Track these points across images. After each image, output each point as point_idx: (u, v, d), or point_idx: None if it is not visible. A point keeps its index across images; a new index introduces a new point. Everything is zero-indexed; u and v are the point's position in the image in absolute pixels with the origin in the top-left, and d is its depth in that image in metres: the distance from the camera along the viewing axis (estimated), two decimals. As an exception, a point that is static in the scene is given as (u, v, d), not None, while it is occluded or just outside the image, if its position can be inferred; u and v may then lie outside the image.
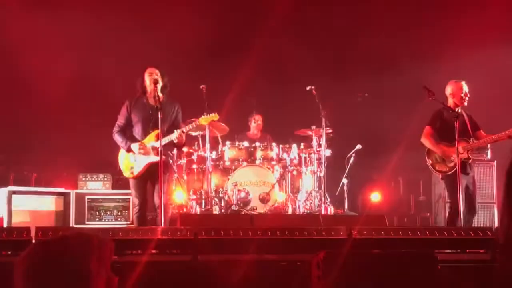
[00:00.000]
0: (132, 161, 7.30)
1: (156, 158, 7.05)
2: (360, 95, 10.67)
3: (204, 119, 7.80)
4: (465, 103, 8.00)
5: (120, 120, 7.48)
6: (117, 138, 7.41)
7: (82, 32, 10.81)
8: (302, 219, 8.82)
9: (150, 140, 7.25)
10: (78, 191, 9.09)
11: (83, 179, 9.33)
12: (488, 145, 8.87)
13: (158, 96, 7.22)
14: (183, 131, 7.31)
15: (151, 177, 7.30)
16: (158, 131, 6.96)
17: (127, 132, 7.47)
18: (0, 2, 10.40)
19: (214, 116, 7.85)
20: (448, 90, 8.05)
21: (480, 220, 9.14)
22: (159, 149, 6.87)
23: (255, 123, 10.58)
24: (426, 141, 8.02)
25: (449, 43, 11.36)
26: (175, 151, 9.00)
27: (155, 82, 7.27)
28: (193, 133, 9.45)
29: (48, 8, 10.61)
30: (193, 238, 5.31)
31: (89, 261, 2.20)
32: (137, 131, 7.39)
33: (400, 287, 4.77)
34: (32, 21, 10.47)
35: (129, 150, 7.30)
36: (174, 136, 7.20)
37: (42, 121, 10.66)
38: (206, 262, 5.23)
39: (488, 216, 9.78)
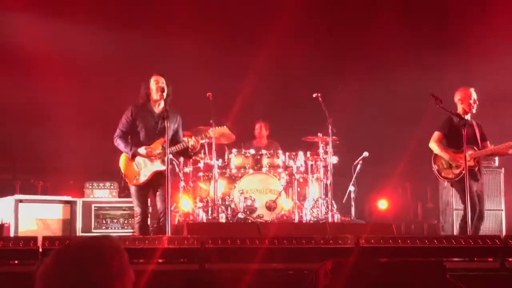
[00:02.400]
0: (137, 169, 7.25)
1: (162, 167, 7.03)
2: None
3: (214, 132, 7.79)
4: (474, 110, 7.97)
5: (123, 126, 7.38)
6: (120, 143, 7.32)
7: (88, 42, 10.85)
8: (309, 227, 8.80)
9: (156, 149, 7.21)
10: (84, 199, 9.08)
11: (90, 187, 9.31)
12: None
13: (164, 104, 7.20)
14: (198, 139, 7.31)
15: (153, 185, 7.26)
16: (163, 139, 6.94)
17: (128, 138, 7.42)
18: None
19: (224, 129, 7.84)
20: (457, 96, 8.05)
21: (487, 227, 9.10)
22: (166, 158, 6.82)
23: (261, 130, 10.58)
24: (434, 146, 8.00)
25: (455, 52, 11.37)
26: (181, 159, 9.01)
27: (162, 90, 7.22)
28: (200, 141, 9.44)
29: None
30: (200, 247, 5.30)
31: (109, 269, 2.18)
32: (141, 138, 7.32)
33: (409, 297, 4.74)
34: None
35: (134, 156, 7.25)
36: (190, 143, 7.20)
37: (48, 129, 10.67)
38: (213, 271, 5.23)
39: (495, 224, 9.73)
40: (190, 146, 7.25)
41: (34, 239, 5.20)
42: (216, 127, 7.91)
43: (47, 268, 2.15)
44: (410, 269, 4.91)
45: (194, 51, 10.94)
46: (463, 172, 7.63)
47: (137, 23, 11.18)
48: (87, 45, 10.83)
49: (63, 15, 10.80)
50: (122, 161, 7.37)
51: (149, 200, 7.57)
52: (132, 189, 7.36)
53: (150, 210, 7.60)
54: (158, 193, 7.20)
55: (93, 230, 8.83)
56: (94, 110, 10.62)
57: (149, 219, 7.58)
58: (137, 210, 7.31)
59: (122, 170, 7.39)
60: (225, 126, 7.87)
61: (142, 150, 7.20)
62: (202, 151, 9.62)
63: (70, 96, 10.75)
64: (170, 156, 7.12)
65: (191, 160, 9.12)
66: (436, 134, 8.03)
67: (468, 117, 7.92)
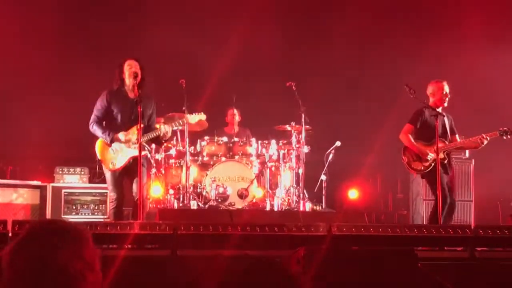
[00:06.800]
0: (113, 154, 7.16)
1: (137, 153, 6.95)
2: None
3: (192, 118, 7.76)
4: (445, 104, 8.01)
5: (98, 111, 7.26)
6: (96, 129, 7.21)
7: (54, 26, 10.73)
8: (282, 215, 8.82)
9: (132, 135, 7.13)
10: (54, 184, 8.99)
11: (60, 172, 9.22)
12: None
13: (137, 89, 7.12)
14: (172, 127, 7.35)
15: (128, 172, 7.18)
16: (139, 125, 6.85)
17: (103, 123, 7.32)
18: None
19: (202, 116, 7.82)
20: (429, 90, 8.07)
21: (457, 217, 9.19)
22: (139, 144, 6.75)
23: (233, 117, 10.54)
24: (404, 139, 8.02)
25: (430, 43, 11.46)
26: (153, 145, 8.94)
27: (135, 76, 7.14)
28: (174, 127, 9.39)
29: None
30: (172, 233, 5.26)
31: (69, 256, 2.15)
32: (117, 123, 7.24)
33: (380, 284, 4.77)
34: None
35: (112, 141, 7.17)
36: (162, 131, 7.19)
37: (18, 113, 10.52)
38: (185, 257, 5.19)
39: (465, 214, 9.85)
40: (161, 134, 7.21)
41: (4, 222, 5.09)
42: (195, 114, 7.86)
43: (14, 244, 2.13)
44: (381, 258, 4.94)
45: (168, 38, 10.85)
46: (432, 164, 7.70)
47: (111, 8, 11.10)
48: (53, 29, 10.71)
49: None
50: (98, 146, 7.26)
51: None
52: (108, 175, 7.27)
53: None
54: (136, 179, 7.10)
55: (63, 216, 8.76)
56: (66, 94, 10.48)
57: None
58: (113, 195, 7.24)
59: (98, 155, 7.28)
60: (202, 113, 7.84)
61: (121, 136, 7.13)
62: (174, 138, 9.56)
63: (40, 81, 10.62)
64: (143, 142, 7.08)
65: (162, 146, 9.06)
66: (407, 127, 8.05)
67: (439, 109, 7.97)
